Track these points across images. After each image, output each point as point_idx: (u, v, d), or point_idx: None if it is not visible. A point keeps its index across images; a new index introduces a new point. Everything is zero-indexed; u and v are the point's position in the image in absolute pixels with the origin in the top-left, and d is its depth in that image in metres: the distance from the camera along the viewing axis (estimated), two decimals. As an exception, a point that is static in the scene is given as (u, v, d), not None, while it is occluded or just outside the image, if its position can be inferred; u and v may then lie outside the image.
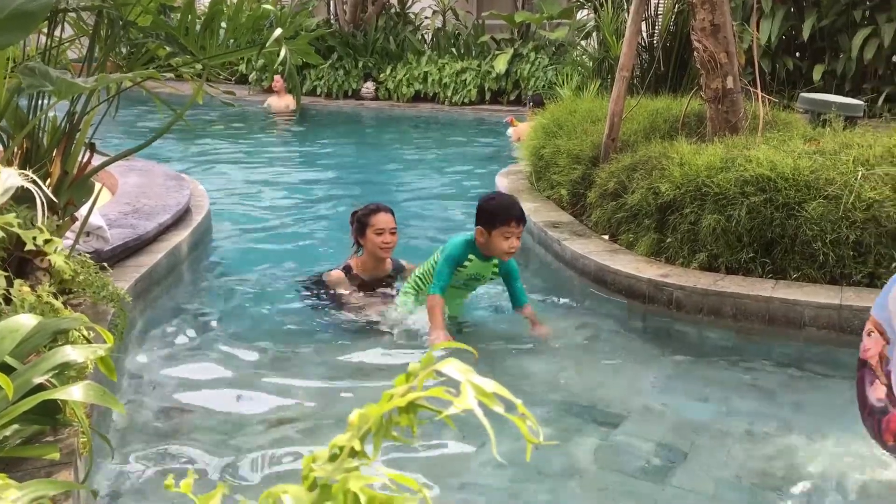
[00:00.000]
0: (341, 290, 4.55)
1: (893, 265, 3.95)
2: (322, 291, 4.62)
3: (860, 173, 4.06)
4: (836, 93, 10.44)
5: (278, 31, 3.26)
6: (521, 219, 3.99)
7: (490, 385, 0.66)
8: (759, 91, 5.17)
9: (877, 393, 2.64)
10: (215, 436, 3.15)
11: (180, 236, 5.17)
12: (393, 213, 4.60)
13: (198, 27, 3.52)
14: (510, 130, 10.31)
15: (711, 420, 3.37)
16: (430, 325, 3.92)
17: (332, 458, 0.63)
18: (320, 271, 4.81)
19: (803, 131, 5.04)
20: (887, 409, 2.53)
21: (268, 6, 3.42)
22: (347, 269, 4.61)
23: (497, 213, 3.95)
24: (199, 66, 3.75)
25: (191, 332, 4.22)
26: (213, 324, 4.37)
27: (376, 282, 4.64)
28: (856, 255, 4.02)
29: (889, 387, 2.54)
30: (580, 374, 3.81)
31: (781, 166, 4.18)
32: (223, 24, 3.59)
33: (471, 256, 4.05)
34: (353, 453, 0.63)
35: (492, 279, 4.28)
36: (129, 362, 3.72)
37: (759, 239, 4.18)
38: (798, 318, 3.88)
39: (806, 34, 10.74)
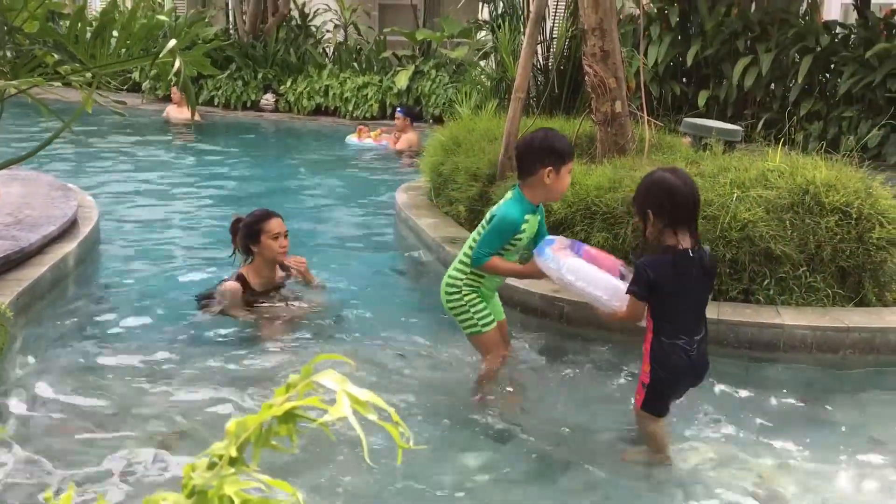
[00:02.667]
0: (234, 310, 4.49)
1: (766, 282, 4.22)
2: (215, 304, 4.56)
3: (735, 195, 4.31)
4: (719, 118, 11.02)
5: (172, 43, 3.22)
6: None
7: (365, 394, 0.70)
8: (645, 115, 5.42)
9: None
10: (99, 452, 3.06)
11: (66, 249, 4.99)
12: (281, 217, 4.63)
13: (88, 35, 3.43)
14: (351, 137, 10.95)
15: (596, 429, 3.51)
16: (511, 273, 3.64)
17: (211, 466, 0.66)
18: (214, 284, 4.74)
19: (686, 154, 5.30)
20: None
21: (162, 17, 3.37)
22: (241, 279, 4.57)
23: (566, 148, 3.53)
24: (88, 75, 3.65)
25: (76, 349, 4.09)
26: (100, 339, 4.24)
27: (269, 290, 4.64)
28: (731, 272, 4.27)
29: None
30: (473, 388, 3.89)
31: (665, 187, 4.39)
32: (115, 33, 3.52)
33: (527, 217, 3.56)
34: (233, 462, 0.66)
35: None
36: (10, 379, 3.57)
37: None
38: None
39: (689, 61, 11.31)
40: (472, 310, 3.68)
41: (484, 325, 3.70)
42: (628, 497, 3.05)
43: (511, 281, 4.65)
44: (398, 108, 11.13)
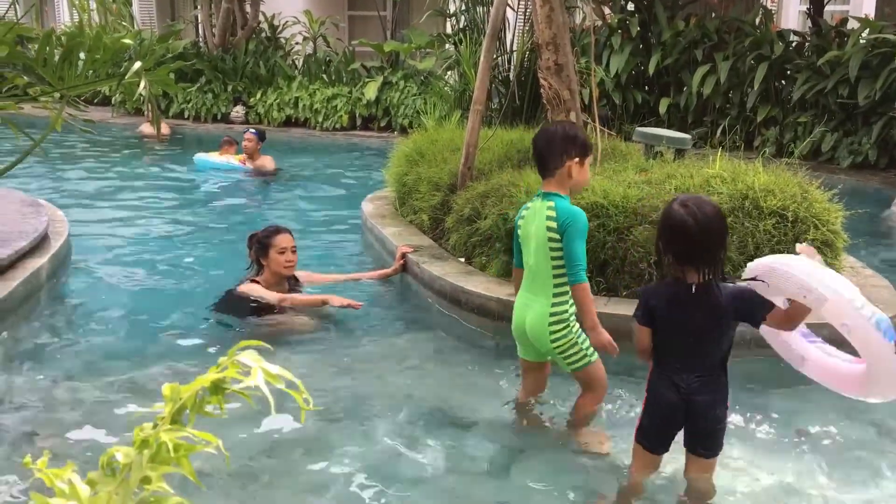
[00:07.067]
0: (269, 296, 4.73)
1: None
2: (235, 303, 4.76)
3: (679, 201, 4.54)
4: (680, 125, 11.36)
5: (137, 65, 3.40)
6: None
7: (275, 369, 0.89)
8: (597, 125, 5.66)
9: None
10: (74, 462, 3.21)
11: (38, 263, 5.12)
12: (291, 233, 4.88)
13: (56, 58, 3.60)
14: (206, 156, 10.16)
15: (550, 423, 3.72)
16: (589, 319, 3.27)
17: (155, 425, 0.85)
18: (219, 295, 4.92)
19: (637, 162, 5.54)
20: None
21: (127, 40, 3.55)
22: (255, 283, 4.81)
23: (586, 140, 3.37)
24: (57, 95, 3.82)
25: (49, 362, 4.23)
26: (72, 353, 4.38)
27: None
28: (677, 274, 4.49)
29: None
30: (434, 385, 4.09)
31: (613, 195, 4.63)
32: (82, 56, 3.68)
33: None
34: (173, 423, 0.85)
35: None
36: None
37: (594, 260, 4.59)
38: (627, 331, 4.29)
39: (651, 70, 11.63)
40: (580, 340, 3.39)
41: (592, 354, 3.42)
42: (580, 489, 3.24)
43: (469, 286, 4.88)
44: (251, 130, 10.13)
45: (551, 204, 3.29)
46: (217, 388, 0.86)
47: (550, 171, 3.33)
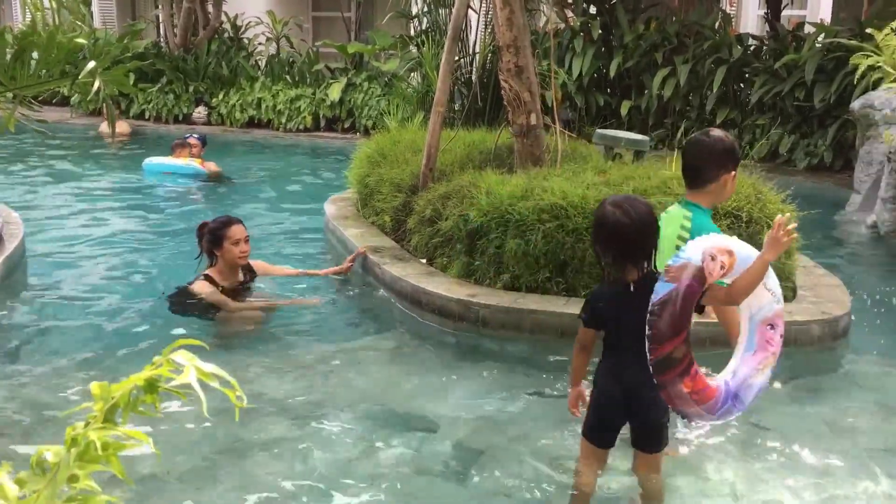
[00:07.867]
0: (217, 298, 4.76)
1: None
2: (190, 301, 4.78)
3: (636, 202, 4.60)
4: (641, 127, 11.49)
5: (91, 64, 3.36)
6: None
7: (209, 367, 0.89)
8: (557, 126, 5.71)
9: None
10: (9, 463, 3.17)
11: (-9, 266, 5.04)
12: (243, 223, 4.91)
13: (8, 57, 3.54)
14: (160, 160, 9.91)
15: (509, 424, 3.74)
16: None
17: (87, 424, 0.85)
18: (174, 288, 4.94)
19: (596, 164, 5.60)
20: None
21: (80, 40, 3.50)
22: (208, 278, 4.83)
23: (736, 148, 3.28)
24: (10, 95, 3.75)
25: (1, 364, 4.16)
26: (26, 354, 4.32)
27: (236, 289, 4.92)
28: (635, 274, 4.55)
29: None
30: (394, 387, 4.09)
31: (572, 196, 4.67)
32: (35, 55, 3.63)
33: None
34: (106, 421, 0.84)
35: None
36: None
37: (554, 260, 4.65)
38: (586, 331, 4.35)
39: (612, 73, 11.75)
40: None
41: None
42: (538, 489, 3.27)
43: (430, 287, 4.89)
44: (195, 135, 10.16)
45: (689, 215, 3.24)
46: (151, 387, 0.86)
47: (703, 183, 3.25)
